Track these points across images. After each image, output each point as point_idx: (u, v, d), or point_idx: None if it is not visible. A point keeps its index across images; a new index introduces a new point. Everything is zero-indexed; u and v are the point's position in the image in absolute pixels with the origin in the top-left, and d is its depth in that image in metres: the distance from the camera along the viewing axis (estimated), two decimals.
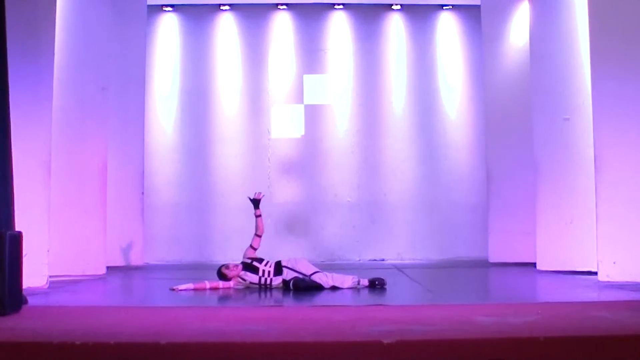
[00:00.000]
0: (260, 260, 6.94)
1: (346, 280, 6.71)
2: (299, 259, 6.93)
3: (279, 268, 6.81)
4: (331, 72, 12.10)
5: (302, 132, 11.92)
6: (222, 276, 6.89)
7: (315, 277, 6.67)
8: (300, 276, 6.69)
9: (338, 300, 6.12)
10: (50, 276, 6.89)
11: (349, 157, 11.90)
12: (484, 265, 10.12)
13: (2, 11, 5.50)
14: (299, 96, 12.00)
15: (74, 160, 8.35)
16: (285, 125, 11.96)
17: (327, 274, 6.76)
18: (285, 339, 3.74)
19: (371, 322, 4.26)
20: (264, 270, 6.78)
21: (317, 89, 12.04)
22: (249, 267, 6.87)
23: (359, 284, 6.71)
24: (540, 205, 8.87)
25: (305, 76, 12.03)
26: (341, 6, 12.11)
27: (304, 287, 6.57)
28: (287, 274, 6.72)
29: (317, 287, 6.61)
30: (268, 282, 6.74)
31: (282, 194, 11.71)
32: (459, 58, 12.14)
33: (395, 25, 12.17)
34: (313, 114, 11.96)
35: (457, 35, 12.17)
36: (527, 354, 3.55)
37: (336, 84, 12.07)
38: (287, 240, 11.42)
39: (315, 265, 7.09)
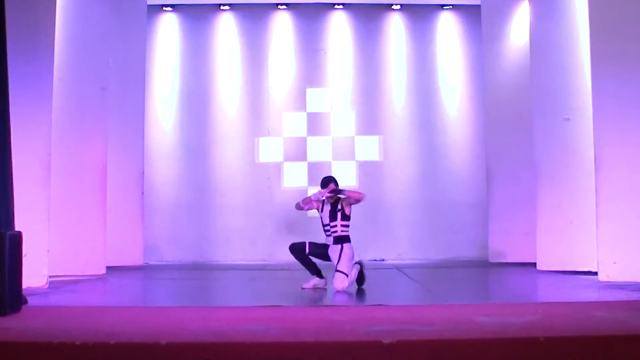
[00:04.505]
0: (342, 219, 7.06)
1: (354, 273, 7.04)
2: (345, 259, 7.09)
3: (337, 240, 7.01)
4: (331, 72, 12.10)
5: (302, 132, 11.91)
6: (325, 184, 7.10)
7: (350, 277, 6.92)
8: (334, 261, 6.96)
9: (338, 300, 6.13)
10: (50, 276, 6.88)
11: (348, 157, 11.90)
12: (484, 265, 10.12)
13: (2, 11, 5.50)
14: (299, 96, 12.00)
15: (74, 160, 8.34)
16: (286, 125, 11.95)
17: (352, 274, 6.98)
18: (285, 339, 3.73)
19: (371, 322, 4.26)
20: (335, 226, 7.00)
21: (318, 88, 12.04)
22: (334, 208, 7.01)
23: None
24: (540, 205, 8.87)
25: (305, 76, 12.02)
26: (341, 6, 12.13)
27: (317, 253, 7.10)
28: (332, 251, 6.97)
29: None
30: (326, 227, 7.07)
31: (282, 194, 11.71)
32: (459, 58, 12.15)
33: (395, 25, 12.17)
34: (313, 114, 11.95)
35: (457, 35, 12.18)
36: (527, 354, 3.54)
37: (336, 83, 12.07)
38: (287, 240, 11.36)
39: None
